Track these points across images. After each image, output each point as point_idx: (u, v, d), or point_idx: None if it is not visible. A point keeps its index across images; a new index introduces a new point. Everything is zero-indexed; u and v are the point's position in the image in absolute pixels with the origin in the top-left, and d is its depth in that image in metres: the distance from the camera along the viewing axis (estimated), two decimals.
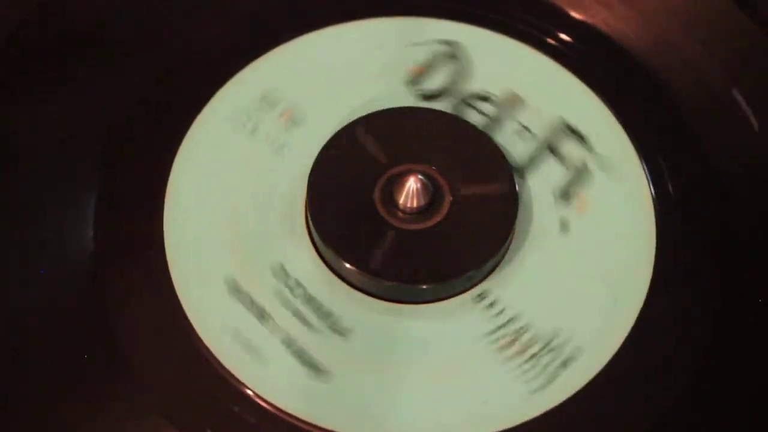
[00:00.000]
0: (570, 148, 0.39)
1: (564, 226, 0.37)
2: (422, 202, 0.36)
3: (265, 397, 0.34)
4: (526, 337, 0.35)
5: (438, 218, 0.36)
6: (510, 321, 0.35)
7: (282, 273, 0.36)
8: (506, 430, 0.34)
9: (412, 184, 0.36)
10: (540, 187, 0.38)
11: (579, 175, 0.38)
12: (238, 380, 0.34)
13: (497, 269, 0.36)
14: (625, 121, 0.39)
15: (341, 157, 0.37)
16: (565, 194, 0.38)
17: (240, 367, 0.34)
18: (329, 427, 0.34)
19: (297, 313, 0.35)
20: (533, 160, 0.38)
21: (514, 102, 0.37)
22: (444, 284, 0.35)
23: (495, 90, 0.39)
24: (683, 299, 0.36)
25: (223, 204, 0.37)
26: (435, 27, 0.41)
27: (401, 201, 0.36)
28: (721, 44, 0.41)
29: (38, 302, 0.36)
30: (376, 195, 0.36)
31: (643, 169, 0.38)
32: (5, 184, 0.38)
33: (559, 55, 0.40)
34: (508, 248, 0.37)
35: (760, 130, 0.39)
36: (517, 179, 0.37)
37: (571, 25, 0.41)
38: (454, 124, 0.38)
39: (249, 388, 0.34)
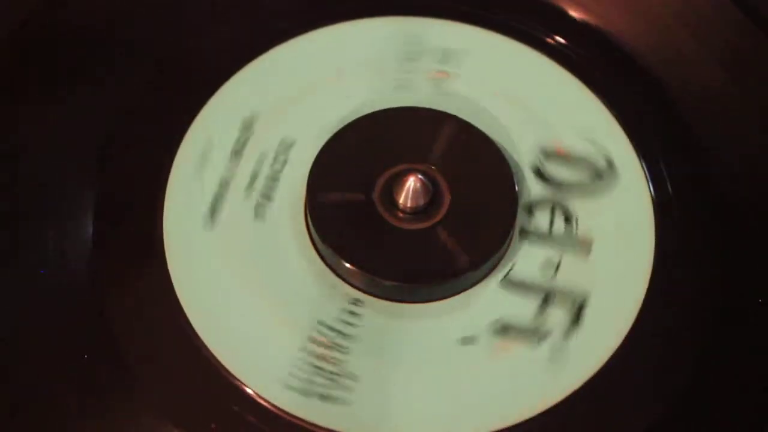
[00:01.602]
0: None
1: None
2: (422, 202, 0.36)
3: (265, 396, 0.34)
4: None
5: (438, 218, 0.36)
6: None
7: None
8: (506, 429, 0.34)
9: (412, 183, 0.36)
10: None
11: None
12: (238, 380, 0.34)
13: (497, 268, 0.36)
14: (625, 121, 0.39)
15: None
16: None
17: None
18: (329, 427, 0.34)
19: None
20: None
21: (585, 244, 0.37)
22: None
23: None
24: (683, 299, 0.36)
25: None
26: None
27: (401, 201, 0.36)
28: (721, 44, 0.41)
29: (38, 302, 0.35)
30: (376, 195, 0.36)
31: (643, 169, 0.38)
32: (5, 184, 0.38)
33: (559, 55, 0.40)
34: (508, 248, 0.37)
35: (760, 130, 0.39)
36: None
37: (571, 25, 0.41)
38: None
39: (249, 388, 0.34)
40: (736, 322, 0.36)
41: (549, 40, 0.41)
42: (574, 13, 0.42)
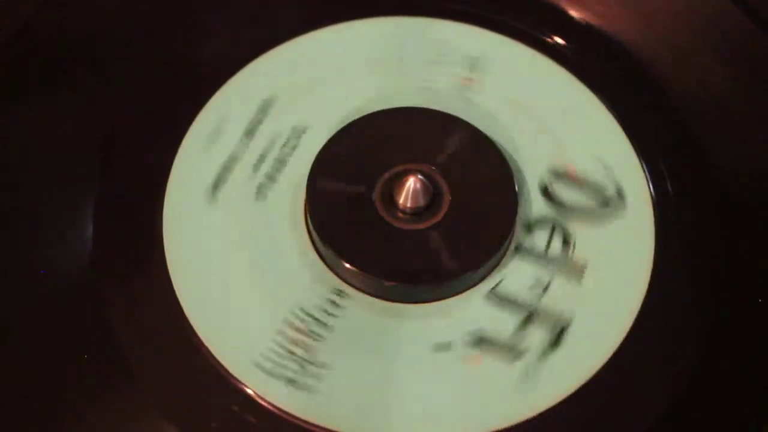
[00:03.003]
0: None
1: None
2: (422, 202, 0.36)
3: (265, 396, 0.34)
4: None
5: (437, 218, 0.36)
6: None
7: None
8: (505, 429, 0.34)
9: (412, 184, 0.36)
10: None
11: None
12: (238, 380, 0.34)
13: (486, 279, 0.36)
14: (625, 122, 0.39)
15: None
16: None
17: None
18: (329, 427, 0.34)
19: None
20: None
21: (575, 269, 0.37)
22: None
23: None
24: (683, 299, 0.36)
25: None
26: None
27: (401, 201, 0.36)
28: (721, 44, 0.41)
29: (38, 302, 0.35)
30: (376, 195, 0.36)
31: (643, 169, 0.38)
32: (6, 184, 0.38)
33: (559, 55, 0.40)
34: (508, 247, 0.36)
35: (760, 130, 0.39)
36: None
37: (571, 25, 0.41)
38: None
39: (249, 388, 0.34)
40: (736, 322, 0.36)
41: (549, 39, 0.41)
42: (574, 13, 0.42)
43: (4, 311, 0.35)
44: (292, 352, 0.35)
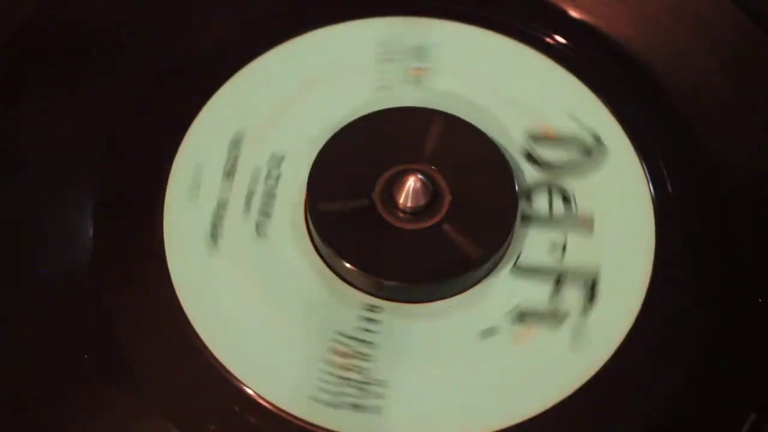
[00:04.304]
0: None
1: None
2: (422, 202, 0.36)
3: (265, 396, 0.34)
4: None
5: (438, 218, 0.36)
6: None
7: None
8: (540, 414, 0.34)
9: (412, 183, 0.36)
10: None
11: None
12: (238, 380, 0.34)
13: (505, 258, 0.36)
14: (625, 121, 0.39)
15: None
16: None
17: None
18: (329, 427, 0.34)
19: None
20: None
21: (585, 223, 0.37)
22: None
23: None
24: (683, 299, 0.36)
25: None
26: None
27: (401, 201, 0.36)
28: (721, 44, 0.41)
29: (38, 302, 0.35)
30: (376, 195, 0.36)
31: (643, 169, 0.38)
32: (6, 184, 0.38)
33: (559, 55, 0.40)
34: (508, 247, 0.37)
35: (760, 130, 0.39)
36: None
37: (571, 25, 0.41)
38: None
39: (250, 388, 0.34)
40: (737, 322, 0.36)
41: (549, 39, 0.41)
42: (574, 13, 0.42)
43: (4, 311, 0.35)
44: (346, 378, 0.34)
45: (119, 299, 0.36)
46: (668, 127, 0.39)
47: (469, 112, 0.39)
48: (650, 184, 0.38)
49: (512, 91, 0.40)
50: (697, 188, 0.38)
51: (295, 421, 0.34)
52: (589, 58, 0.41)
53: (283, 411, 0.34)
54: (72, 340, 0.35)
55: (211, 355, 0.35)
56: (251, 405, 0.34)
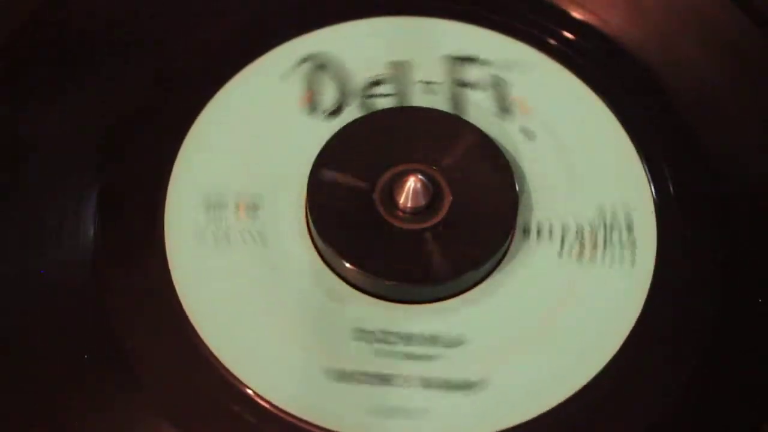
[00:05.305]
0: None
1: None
2: (422, 202, 0.36)
3: (265, 396, 0.34)
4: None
5: (438, 218, 0.36)
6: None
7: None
8: (508, 429, 0.34)
9: (412, 183, 0.36)
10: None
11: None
12: (238, 380, 0.34)
13: (497, 269, 0.36)
14: (625, 121, 0.39)
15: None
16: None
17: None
18: (330, 427, 0.34)
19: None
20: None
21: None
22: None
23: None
24: (683, 299, 0.36)
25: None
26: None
27: (401, 201, 0.36)
28: (721, 44, 0.41)
29: (38, 302, 0.36)
30: (376, 195, 0.36)
31: (643, 169, 0.38)
32: (6, 184, 0.38)
33: (560, 55, 0.40)
34: (508, 247, 0.37)
35: (761, 130, 0.39)
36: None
37: (571, 25, 0.41)
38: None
39: (249, 388, 0.34)
40: (737, 322, 0.36)
41: (549, 39, 0.41)
42: (574, 13, 0.42)
43: (4, 311, 0.35)
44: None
45: (119, 299, 0.36)
46: (668, 127, 0.39)
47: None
48: (650, 184, 0.38)
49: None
50: (697, 188, 0.38)
51: (291, 419, 0.34)
52: (590, 58, 0.41)
53: (283, 411, 0.34)
54: (72, 340, 0.35)
55: (212, 354, 0.35)
56: (251, 405, 0.34)
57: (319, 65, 0.40)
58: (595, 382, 0.34)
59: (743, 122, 0.39)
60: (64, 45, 0.40)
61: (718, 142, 0.39)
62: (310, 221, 0.36)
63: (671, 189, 0.38)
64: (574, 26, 0.41)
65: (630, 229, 0.37)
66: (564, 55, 0.40)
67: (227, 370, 0.34)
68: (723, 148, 0.39)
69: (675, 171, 0.38)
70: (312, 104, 0.39)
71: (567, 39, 0.41)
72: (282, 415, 0.34)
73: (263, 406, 0.34)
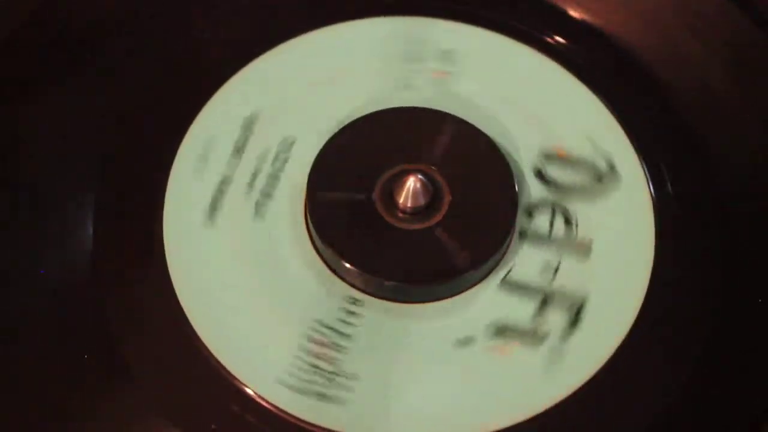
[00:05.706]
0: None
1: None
2: (422, 202, 0.36)
3: (265, 396, 0.34)
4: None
5: (437, 218, 0.36)
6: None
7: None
8: (503, 429, 0.34)
9: (412, 183, 0.36)
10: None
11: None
12: (238, 380, 0.34)
13: (496, 270, 0.36)
14: (625, 121, 0.39)
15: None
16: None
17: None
18: (327, 426, 0.34)
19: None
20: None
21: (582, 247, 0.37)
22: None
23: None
24: (683, 299, 0.36)
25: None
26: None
27: (401, 201, 0.36)
28: (722, 44, 0.40)
29: (38, 302, 0.36)
30: (376, 195, 0.36)
31: (643, 169, 0.38)
32: (6, 184, 0.38)
33: (559, 55, 0.40)
34: (507, 249, 0.37)
35: (761, 130, 0.39)
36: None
37: (571, 25, 0.41)
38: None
39: (249, 388, 0.34)
40: (737, 322, 0.36)
41: (549, 39, 0.41)
42: (574, 13, 0.42)
43: (4, 311, 0.35)
44: (316, 366, 0.35)
45: (119, 299, 0.36)
46: (668, 127, 0.39)
47: (484, 121, 0.38)
48: (650, 184, 0.38)
49: (530, 103, 0.39)
50: (697, 188, 0.38)
51: (292, 419, 0.34)
52: (589, 58, 0.41)
53: (283, 411, 0.34)
54: (72, 339, 0.35)
55: (211, 354, 0.35)
56: (251, 405, 0.34)
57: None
58: (594, 382, 0.34)
59: (743, 122, 0.39)
60: (64, 45, 0.40)
61: (718, 142, 0.39)
62: (309, 221, 0.36)
63: (670, 189, 0.38)
64: (574, 26, 0.41)
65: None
66: (563, 55, 0.40)
67: (226, 370, 0.34)
68: (723, 148, 0.39)
69: (675, 171, 0.38)
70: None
71: (567, 39, 0.41)
72: (282, 414, 0.34)
73: (263, 406, 0.34)
